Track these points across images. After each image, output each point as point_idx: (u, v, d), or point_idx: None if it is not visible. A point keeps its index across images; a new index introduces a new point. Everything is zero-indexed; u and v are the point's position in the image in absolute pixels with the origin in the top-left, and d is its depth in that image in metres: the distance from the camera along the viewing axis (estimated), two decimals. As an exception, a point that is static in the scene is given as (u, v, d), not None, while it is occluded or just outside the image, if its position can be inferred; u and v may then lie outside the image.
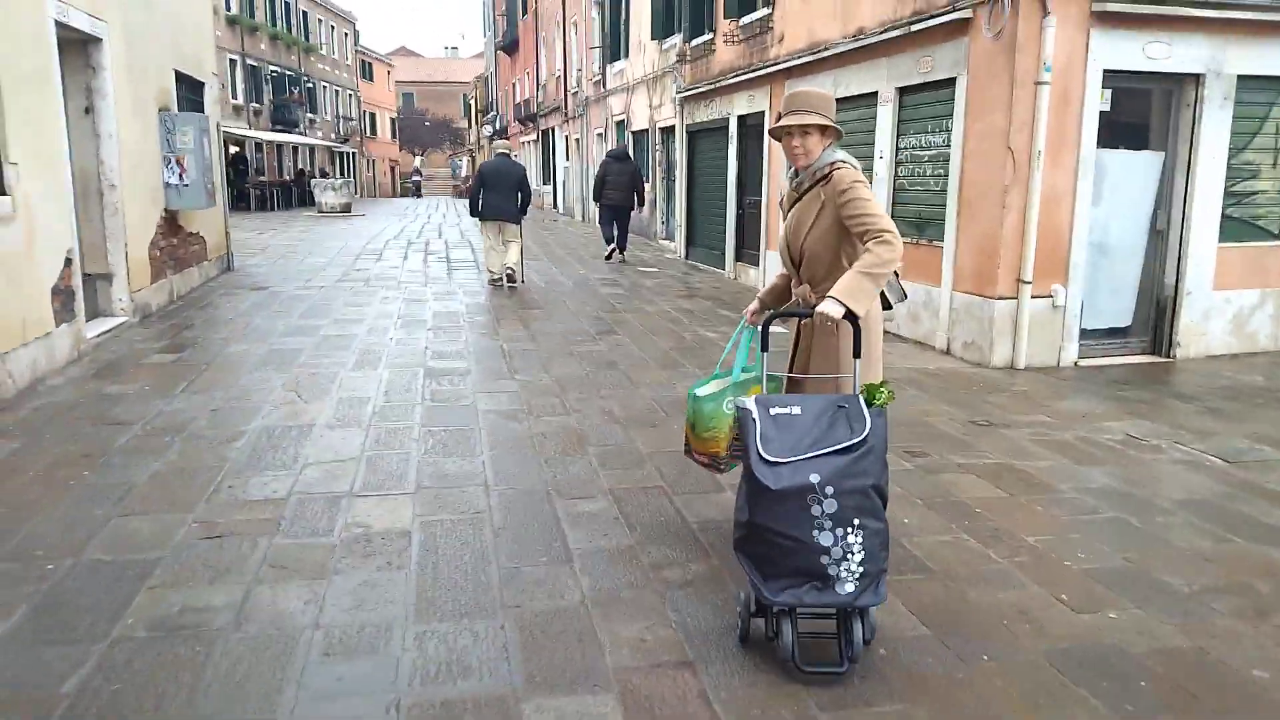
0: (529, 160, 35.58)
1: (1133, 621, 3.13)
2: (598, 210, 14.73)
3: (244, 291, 10.32)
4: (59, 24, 6.64)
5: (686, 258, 14.96)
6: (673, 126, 15.69)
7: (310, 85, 40.51)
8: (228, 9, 30.83)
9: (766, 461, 2.70)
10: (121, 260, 7.98)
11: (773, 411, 2.79)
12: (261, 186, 30.59)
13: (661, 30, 15.90)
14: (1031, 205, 6.86)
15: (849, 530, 2.67)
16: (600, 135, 22.51)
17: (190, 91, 10.71)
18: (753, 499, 2.73)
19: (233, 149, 28.33)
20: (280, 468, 4.47)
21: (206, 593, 3.19)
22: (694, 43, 14.03)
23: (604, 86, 21.66)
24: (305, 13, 40.64)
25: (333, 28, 45.37)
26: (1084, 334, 7.34)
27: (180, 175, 9.38)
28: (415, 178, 51.07)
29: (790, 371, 3.52)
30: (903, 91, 8.28)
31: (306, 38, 40.44)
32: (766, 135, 10.72)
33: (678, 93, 14.81)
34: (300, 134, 37.26)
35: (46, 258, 6.30)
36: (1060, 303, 7.11)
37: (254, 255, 14.15)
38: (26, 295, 5.96)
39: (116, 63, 7.87)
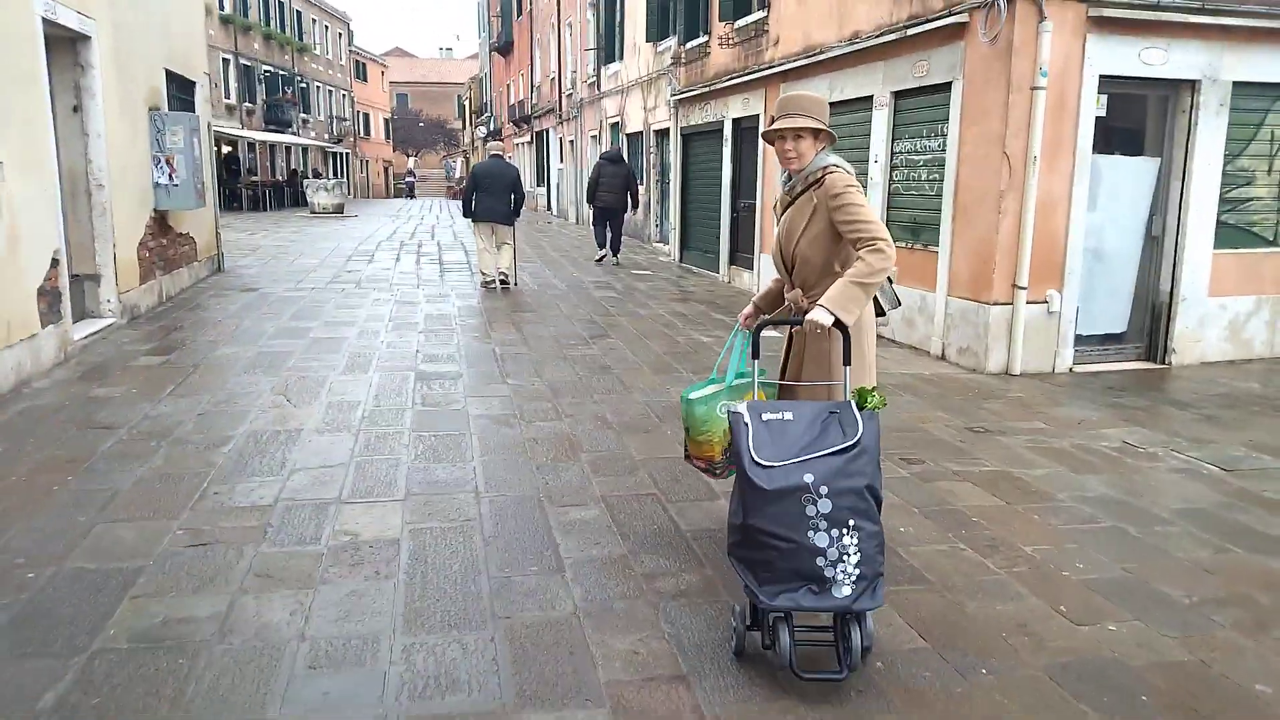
0: (523, 162, 35.50)
1: (1133, 634, 3.08)
2: (591, 212, 14.67)
3: (234, 293, 10.24)
4: (47, 21, 6.57)
5: (680, 261, 14.91)
6: (667, 129, 15.65)
7: (304, 85, 40.40)
8: (221, 8, 30.72)
9: (759, 464, 2.67)
10: (109, 261, 7.89)
11: (765, 417, 2.77)
12: (254, 187, 30.51)
13: (656, 32, 15.85)
14: (1027, 210, 6.84)
15: (844, 531, 2.63)
16: (595, 137, 22.45)
17: (181, 90, 10.64)
18: (746, 501, 2.69)
19: (225, 149, 28.22)
20: (267, 473, 4.40)
21: (190, 603, 3.12)
22: (689, 45, 13.99)
23: (599, 88, 21.62)
24: (299, 12, 40.56)
25: (327, 28, 45.26)
26: (1079, 340, 7.31)
27: (170, 175, 9.30)
28: (409, 179, 51.04)
29: (783, 378, 3.50)
30: (898, 95, 8.24)
31: (300, 37, 40.35)
32: (761, 138, 10.68)
33: (672, 95, 14.77)
34: (293, 134, 37.17)
35: (32, 258, 6.22)
36: (1055, 308, 7.09)
37: (245, 256, 14.06)
38: (11, 297, 5.88)
39: (105, 61, 7.79)
